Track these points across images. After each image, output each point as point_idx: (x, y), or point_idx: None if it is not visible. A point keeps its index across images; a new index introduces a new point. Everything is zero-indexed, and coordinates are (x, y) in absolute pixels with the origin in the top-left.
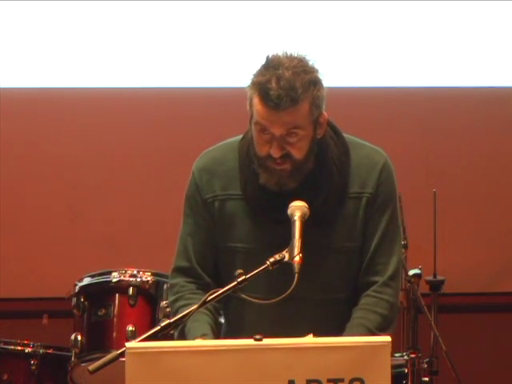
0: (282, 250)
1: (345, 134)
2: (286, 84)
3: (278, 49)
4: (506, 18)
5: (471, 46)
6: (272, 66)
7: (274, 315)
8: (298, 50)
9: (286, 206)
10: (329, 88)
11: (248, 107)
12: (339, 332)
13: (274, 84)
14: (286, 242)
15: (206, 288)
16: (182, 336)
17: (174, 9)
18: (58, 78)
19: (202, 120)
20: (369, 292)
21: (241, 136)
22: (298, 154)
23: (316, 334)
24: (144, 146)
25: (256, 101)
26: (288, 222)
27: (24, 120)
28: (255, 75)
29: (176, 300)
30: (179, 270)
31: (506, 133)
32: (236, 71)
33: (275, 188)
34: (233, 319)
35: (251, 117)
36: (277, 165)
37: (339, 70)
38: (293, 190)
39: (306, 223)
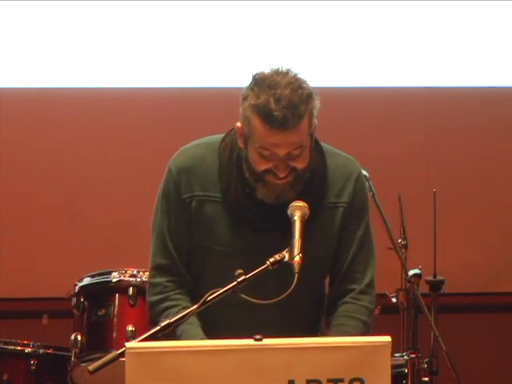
0: (259, 257)
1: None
2: (288, 103)
3: (276, 58)
4: (506, 17)
5: (471, 46)
6: (266, 85)
7: (242, 319)
8: (282, 62)
9: (268, 215)
10: (329, 88)
11: (244, 128)
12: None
13: (274, 105)
14: (264, 250)
15: (186, 286)
16: (173, 337)
17: (173, 9)
18: (58, 78)
19: (202, 120)
20: (347, 299)
21: (219, 136)
22: (301, 165)
23: (277, 336)
24: (144, 146)
25: (257, 123)
26: (268, 231)
27: (24, 120)
28: (248, 96)
29: (161, 300)
30: (160, 268)
31: (506, 133)
32: (236, 71)
33: (274, 202)
34: (207, 323)
35: (246, 136)
36: (279, 180)
37: (339, 70)
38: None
39: (285, 233)
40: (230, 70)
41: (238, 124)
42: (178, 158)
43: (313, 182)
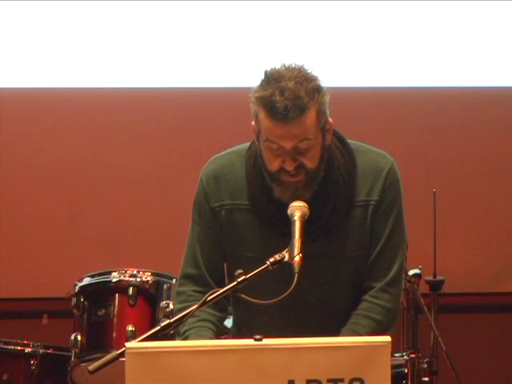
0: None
1: (349, 140)
2: (291, 94)
3: (277, 58)
4: (506, 18)
5: (471, 46)
6: (273, 79)
7: (281, 321)
8: (295, 59)
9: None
10: (329, 88)
11: (253, 123)
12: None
13: (278, 96)
14: None
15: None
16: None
17: (173, 9)
18: (58, 78)
19: (202, 120)
20: (365, 297)
21: (248, 144)
22: (310, 163)
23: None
24: (144, 147)
25: (262, 116)
26: None
27: (24, 120)
28: (257, 90)
29: (182, 310)
30: (188, 277)
31: (506, 133)
32: (237, 71)
33: (290, 201)
34: (238, 324)
35: (258, 133)
36: (291, 177)
37: (339, 70)
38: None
39: (315, 233)
40: (231, 70)
41: (253, 123)
42: (208, 166)
43: (338, 182)
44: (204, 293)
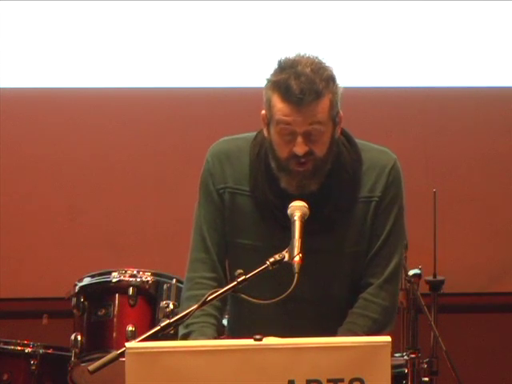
0: None
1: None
2: (307, 79)
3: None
4: (506, 18)
5: (471, 46)
6: (288, 65)
7: (278, 314)
8: (309, 51)
9: None
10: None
11: (264, 112)
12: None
13: (294, 80)
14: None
15: (218, 285)
16: (186, 339)
17: (174, 9)
18: (58, 78)
19: (202, 120)
20: (363, 295)
21: (255, 134)
22: (320, 151)
23: (320, 335)
24: (144, 147)
25: (276, 99)
26: None
27: (24, 120)
28: (272, 76)
29: (189, 298)
30: (198, 261)
31: (506, 133)
32: (237, 71)
33: (296, 191)
34: (235, 317)
35: (268, 121)
36: (299, 166)
37: (339, 70)
38: (304, 197)
39: (315, 228)
40: (232, 70)
41: (263, 112)
42: (215, 147)
43: (343, 179)
44: (212, 279)
